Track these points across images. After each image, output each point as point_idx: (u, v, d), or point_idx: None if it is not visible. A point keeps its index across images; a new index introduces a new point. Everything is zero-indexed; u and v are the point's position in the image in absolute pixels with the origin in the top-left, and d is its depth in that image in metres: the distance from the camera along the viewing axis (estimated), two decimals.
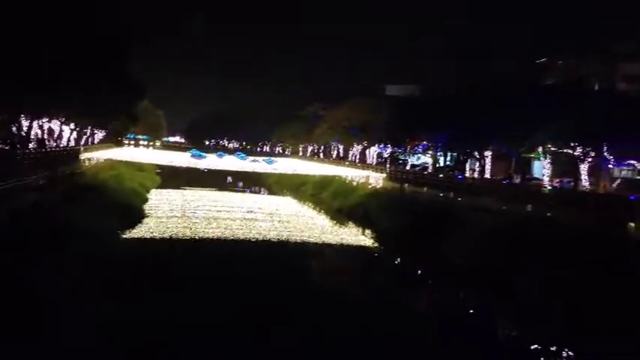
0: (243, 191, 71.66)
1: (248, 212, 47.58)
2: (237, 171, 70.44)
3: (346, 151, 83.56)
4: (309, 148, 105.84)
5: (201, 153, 78.79)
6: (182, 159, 69.34)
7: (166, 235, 32.83)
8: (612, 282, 19.39)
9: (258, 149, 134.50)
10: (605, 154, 34.34)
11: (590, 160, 35.61)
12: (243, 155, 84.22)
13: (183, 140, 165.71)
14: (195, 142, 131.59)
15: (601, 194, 34.49)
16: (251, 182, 78.37)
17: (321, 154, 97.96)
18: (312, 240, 36.15)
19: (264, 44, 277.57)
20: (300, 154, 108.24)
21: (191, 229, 36.15)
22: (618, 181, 39.13)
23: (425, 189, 45.97)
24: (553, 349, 17.22)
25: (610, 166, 36.62)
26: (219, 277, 23.85)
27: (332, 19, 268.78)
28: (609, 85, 45.01)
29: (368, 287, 25.10)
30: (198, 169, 67.82)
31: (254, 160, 73.92)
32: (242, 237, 34.93)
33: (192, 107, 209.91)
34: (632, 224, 25.22)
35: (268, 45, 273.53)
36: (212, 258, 28.51)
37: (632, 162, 35.10)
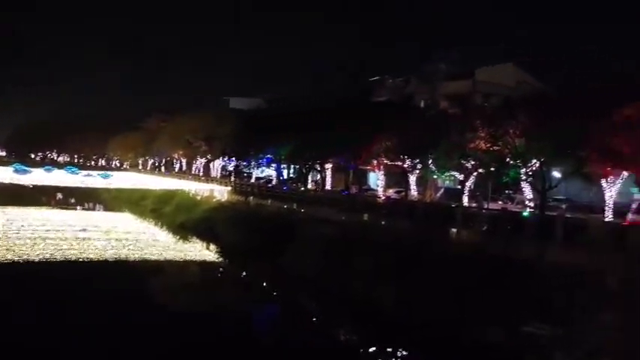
0: (75, 208, 66.38)
1: (81, 231, 44.12)
2: (68, 187, 65.08)
3: (189, 164, 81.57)
4: (150, 161, 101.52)
5: (26, 167, 71.40)
6: (2, 174, 62.28)
7: None
8: (431, 280, 21.19)
9: (93, 163, 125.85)
10: (431, 166, 37.61)
11: (417, 171, 38.85)
12: (75, 169, 77.89)
13: (3, 154, 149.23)
14: (20, 156, 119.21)
15: (428, 203, 37.65)
16: (85, 198, 72.84)
17: (163, 168, 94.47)
18: (153, 257, 34.58)
19: (96, 52, 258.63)
20: (140, 167, 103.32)
21: (14, 251, 32.56)
22: (442, 190, 43.02)
23: (269, 201, 46.49)
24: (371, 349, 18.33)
25: (435, 177, 40.16)
26: (41, 301, 21.85)
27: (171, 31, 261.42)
28: (433, 103, 49.48)
29: (211, 302, 24.61)
30: (24, 186, 61.46)
31: (87, 175, 68.73)
32: (74, 258, 32.28)
33: (11, 117, 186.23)
34: (454, 229, 27.96)
35: (100, 55, 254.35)
36: (36, 281, 25.96)
37: (453, 173, 38.83)
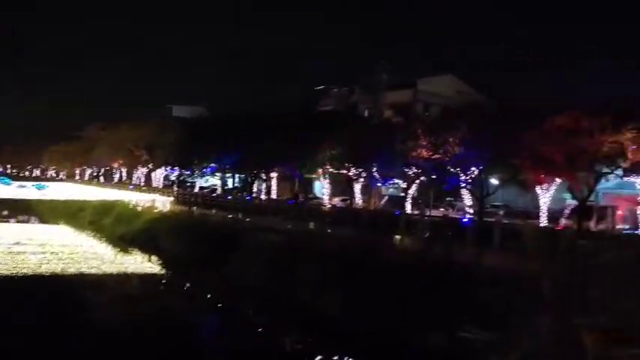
0: (8, 221, 63.28)
1: (15, 244, 42.09)
2: (0, 198, 62.01)
3: (130, 174, 79.43)
4: (88, 171, 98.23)
5: None
6: None
7: None
8: (375, 287, 21.47)
9: (27, 173, 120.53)
10: (375, 174, 38.18)
11: (362, 180, 39.35)
12: (7, 180, 74.45)
13: None
14: None
15: (372, 210, 38.16)
16: (19, 211, 69.48)
17: (102, 178, 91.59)
18: (91, 271, 33.37)
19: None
20: (78, 177, 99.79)
21: None
22: (386, 198, 43.71)
23: (214, 211, 45.84)
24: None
25: (379, 184, 40.78)
26: None
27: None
28: (377, 113, 50.32)
29: (152, 316, 23.96)
30: None
31: (21, 186, 65.81)
32: (6, 273, 30.74)
33: None
34: (398, 236, 28.46)
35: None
36: None
37: (396, 181, 39.57)
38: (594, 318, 2.10)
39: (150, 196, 58.39)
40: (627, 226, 30.33)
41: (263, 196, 50.87)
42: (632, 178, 27.47)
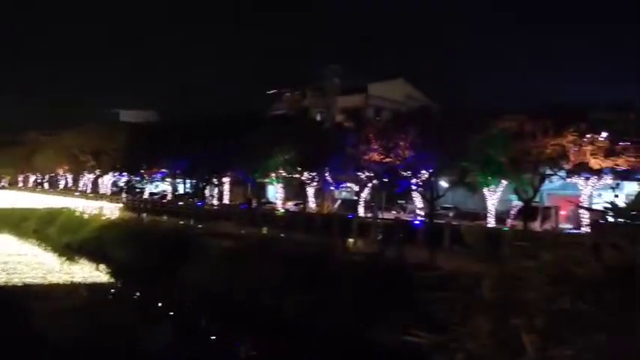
0: None
1: None
2: None
3: (76, 181, 76.95)
4: (32, 178, 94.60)
5: None
6: None
7: None
8: (329, 290, 21.58)
9: None
10: (328, 178, 38.36)
11: (315, 184, 39.45)
12: None
13: None
14: None
15: (325, 214, 38.29)
16: None
17: (47, 185, 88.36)
18: (36, 282, 32.12)
19: None
20: (21, 184, 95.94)
21: None
22: (339, 202, 43.97)
23: (165, 217, 44.94)
24: None
25: (332, 188, 40.99)
26: None
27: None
28: (329, 117, 50.69)
29: (100, 327, 23.24)
30: None
31: None
32: None
33: None
34: (351, 240, 28.64)
35: None
36: None
37: (349, 185, 39.88)
38: (531, 319, 2.17)
39: (97, 203, 56.69)
40: (570, 226, 31.55)
41: (215, 202, 50.25)
42: (574, 179, 28.58)
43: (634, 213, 2.66)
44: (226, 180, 47.95)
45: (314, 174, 38.82)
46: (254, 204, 45.38)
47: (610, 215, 2.83)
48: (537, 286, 2.26)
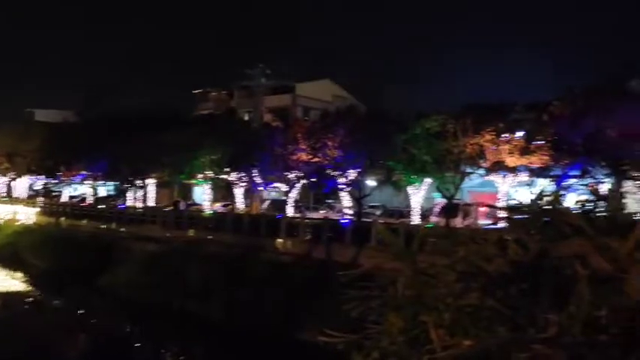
0: None
1: None
2: None
3: None
4: None
5: None
6: None
7: None
8: (258, 291, 21.49)
9: None
10: (256, 178, 38.07)
11: (243, 184, 39.06)
12: None
13: None
14: None
15: (254, 215, 37.98)
16: None
17: None
18: None
19: None
20: None
21: None
22: (268, 202, 43.74)
23: (85, 221, 43.06)
24: None
25: (260, 189, 40.72)
26: None
27: None
28: (257, 116, 50.27)
29: (13, 338, 21.96)
30: None
31: None
32: None
33: None
34: (280, 240, 28.58)
35: None
36: None
37: (277, 185, 39.73)
38: (440, 315, 2.22)
39: (11, 208, 53.57)
40: (489, 222, 32.92)
41: (140, 204, 48.67)
42: (492, 177, 29.87)
43: (538, 210, 2.78)
44: (151, 182, 46.53)
45: (242, 174, 38.43)
46: (181, 206, 44.33)
47: (517, 212, 2.93)
48: (447, 283, 2.31)
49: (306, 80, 54.34)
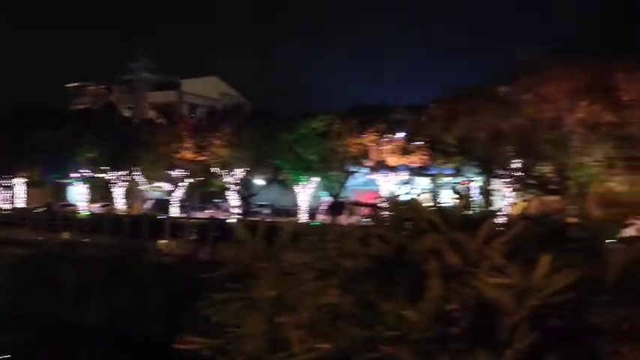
0: None
1: None
2: None
3: None
4: None
5: None
6: None
7: None
8: (138, 293, 20.65)
9: None
10: (137, 177, 36.43)
11: (124, 183, 37.21)
12: None
13: None
14: None
15: (135, 215, 36.34)
16: None
17: None
18: None
19: None
20: None
21: None
22: (151, 202, 42.01)
23: None
24: None
25: (142, 188, 39.03)
26: None
27: None
28: (139, 113, 48.08)
29: None
30: None
31: None
32: None
33: None
34: (163, 241, 27.63)
35: None
36: None
37: (161, 184, 38.26)
38: (299, 315, 2.21)
39: None
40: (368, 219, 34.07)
41: (7, 206, 44.69)
42: (375, 176, 30.96)
43: (399, 207, 2.84)
44: (20, 181, 42.88)
45: (122, 173, 36.59)
46: (54, 207, 41.32)
47: (382, 209, 2.99)
48: (307, 281, 2.28)
49: (192, 77, 52.94)
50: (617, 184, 19.67)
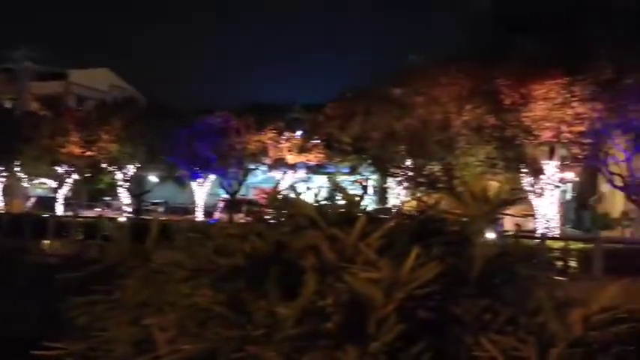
0: None
1: None
2: None
3: None
4: None
5: None
6: None
7: None
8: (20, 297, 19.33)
9: None
10: (18, 173, 33.93)
11: (3, 179, 34.51)
12: None
13: None
14: None
15: (16, 214, 33.76)
16: None
17: None
18: None
19: None
20: None
21: None
22: (33, 199, 39.23)
23: None
24: None
25: (23, 184, 36.39)
26: None
27: None
28: (21, 104, 44.62)
29: None
30: None
31: None
32: None
33: None
34: (47, 241, 25.94)
35: None
36: None
37: (45, 180, 35.87)
38: (164, 317, 2.16)
39: None
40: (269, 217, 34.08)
41: None
42: (273, 173, 31.00)
43: (278, 203, 2.80)
44: None
45: (1, 168, 33.86)
46: None
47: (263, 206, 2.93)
48: (177, 281, 2.17)
49: (81, 67, 50.01)
50: (496, 182, 21.09)
